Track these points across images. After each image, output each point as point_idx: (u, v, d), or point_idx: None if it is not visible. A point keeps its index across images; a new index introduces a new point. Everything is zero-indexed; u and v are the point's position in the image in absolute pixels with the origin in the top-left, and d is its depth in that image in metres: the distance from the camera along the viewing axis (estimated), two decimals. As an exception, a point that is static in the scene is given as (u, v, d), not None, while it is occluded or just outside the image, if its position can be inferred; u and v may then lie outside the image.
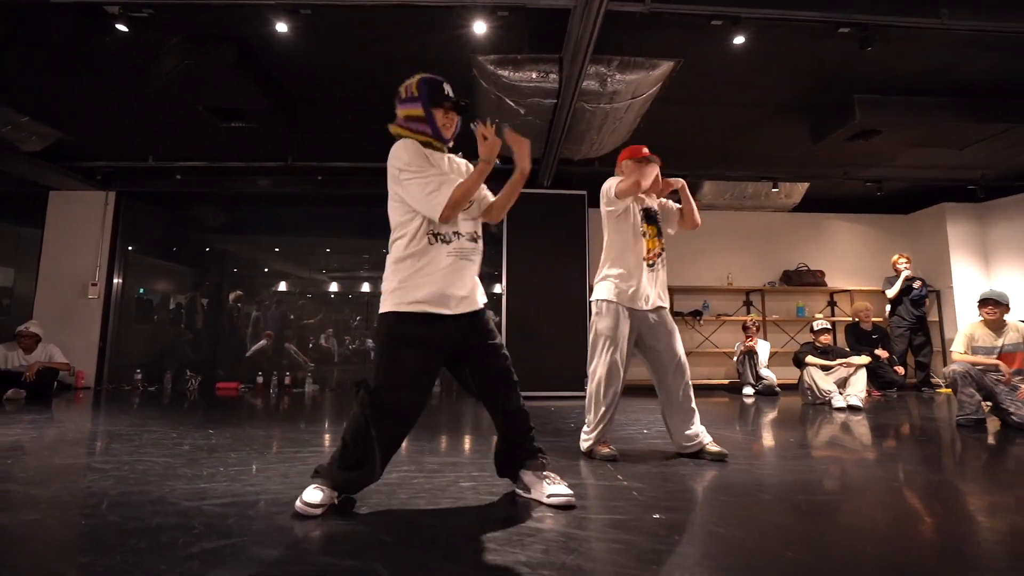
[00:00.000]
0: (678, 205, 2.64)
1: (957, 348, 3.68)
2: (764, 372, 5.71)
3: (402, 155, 1.72)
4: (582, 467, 2.32)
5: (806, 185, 6.24)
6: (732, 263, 6.78)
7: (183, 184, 5.98)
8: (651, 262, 2.52)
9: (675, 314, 6.45)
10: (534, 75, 3.73)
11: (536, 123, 4.18)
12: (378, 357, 1.72)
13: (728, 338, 6.55)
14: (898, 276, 5.93)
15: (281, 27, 3.16)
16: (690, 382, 2.51)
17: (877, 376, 5.38)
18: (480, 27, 3.14)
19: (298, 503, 1.62)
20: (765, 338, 6.30)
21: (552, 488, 1.75)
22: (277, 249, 8.24)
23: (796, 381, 5.17)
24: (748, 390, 5.62)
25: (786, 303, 6.82)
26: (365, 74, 3.89)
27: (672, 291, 6.43)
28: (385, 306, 1.72)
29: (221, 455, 2.47)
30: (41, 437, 2.93)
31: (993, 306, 3.60)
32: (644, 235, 2.53)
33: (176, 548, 1.35)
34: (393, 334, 1.69)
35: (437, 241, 1.72)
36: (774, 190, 6.14)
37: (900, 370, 5.57)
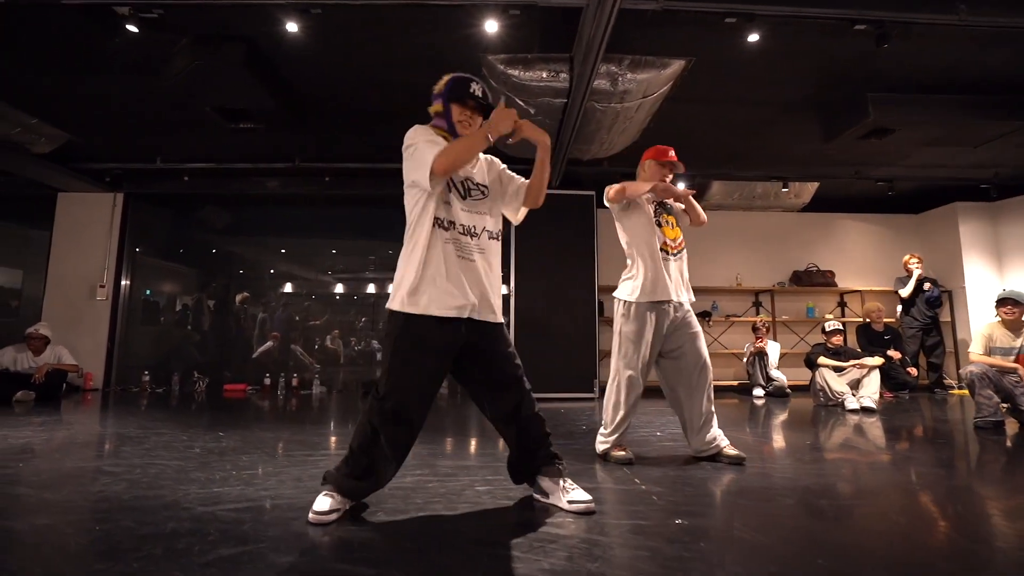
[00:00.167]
0: (681, 205, 2.65)
1: (975, 349, 3.62)
2: (774, 373, 5.65)
3: (410, 135, 1.70)
4: (598, 471, 2.28)
5: (816, 185, 6.18)
6: (741, 263, 6.72)
7: (190, 186, 5.98)
8: (672, 251, 2.49)
9: (684, 315, 6.41)
10: (544, 74, 3.69)
11: (546, 123, 4.15)
12: (386, 359, 1.67)
13: (737, 339, 6.49)
14: (910, 276, 5.87)
15: (291, 27, 3.14)
16: (712, 384, 2.47)
17: (889, 377, 5.32)
18: (491, 26, 3.12)
19: (311, 514, 1.58)
20: (775, 339, 6.24)
21: (572, 494, 1.72)
22: (283, 250, 8.24)
23: (806, 382, 5.11)
24: (758, 391, 5.57)
25: (796, 304, 6.76)
26: (373, 74, 3.87)
27: (681, 292, 6.38)
28: (394, 303, 1.66)
29: (232, 458, 2.45)
30: (51, 440, 2.91)
31: (1012, 306, 3.55)
32: (660, 225, 2.51)
33: (192, 555, 1.33)
34: (402, 336, 1.64)
35: (439, 227, 1.66)
36: (784, 190, 6.08)
37: (913, 371, 5.51)
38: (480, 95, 1.74)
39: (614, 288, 2.61)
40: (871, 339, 5.57)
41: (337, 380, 6.67)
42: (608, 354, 6.25)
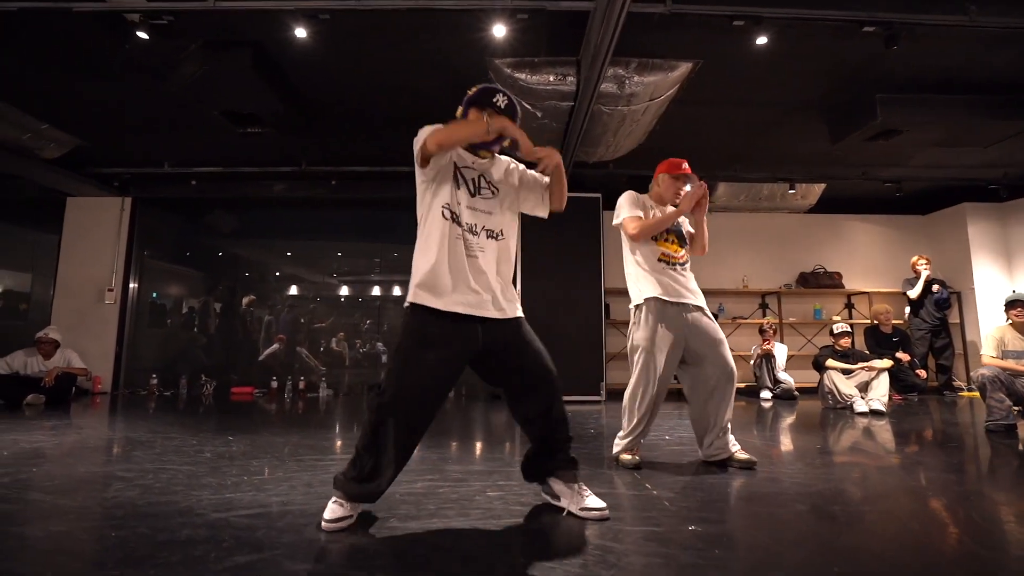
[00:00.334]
0: (690, 229, 2.62)
1: (987, 351, 3.59)
2: (782, 375, 5.63)
3: (423, 128, 1.71)
4: (609, 475, 2.28)
5: (822, 186, 6.16)
6: (748, 265, 6.70)
7: (198, 189, 6.01)
8: (673, 262, 2.48)
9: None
10: (551, 78, 3.70)
11: (552, 126, 4.15)
12: (391, 357, 1.68)
13: (744, 341, 6.47)
14: (918, 277, 5.85)
15: (300, 32, 3.15)
16: (735, 389, 2.44)
17: (898, 380, 5.29)
18: (499, 30, 3.12)
19: (322, 523, 1.58)
20: (782, 341, 6.22)
21: (587, 501, 1.72)
22: (289, 253, 8.28)
23: (814, 384, 5.09)
24: (766, 394, 5.54)
25: (803, 305, 6.73)
26: (381, 78, 3.88)
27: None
28: (408, 297, 1.67)
29: (243, 463, 2.46)
30: (63, 444, 2.93)
31: (1022, 308, 3.52)
32: (656, 239, 2.49)
33: (209, 562, 1.33)
34: (410, 332, 1.64)
35: (448, 222, 1.66)
36: (791, 191, 6.06)
37: (922, 373, 5.48)
38: (502, 106, 1.74)
39: (621, 290, 2.63)
40: (879, 341, 5.54)
41: (343, 382, 6.68)
42: (614, 357, 6.24)
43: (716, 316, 6.29)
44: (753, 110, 4.47)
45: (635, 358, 2.43)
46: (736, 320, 6.54)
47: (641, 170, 5.50)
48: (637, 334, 2.43)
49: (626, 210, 2.49)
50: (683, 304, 2.41)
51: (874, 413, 4.30)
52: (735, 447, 2.44)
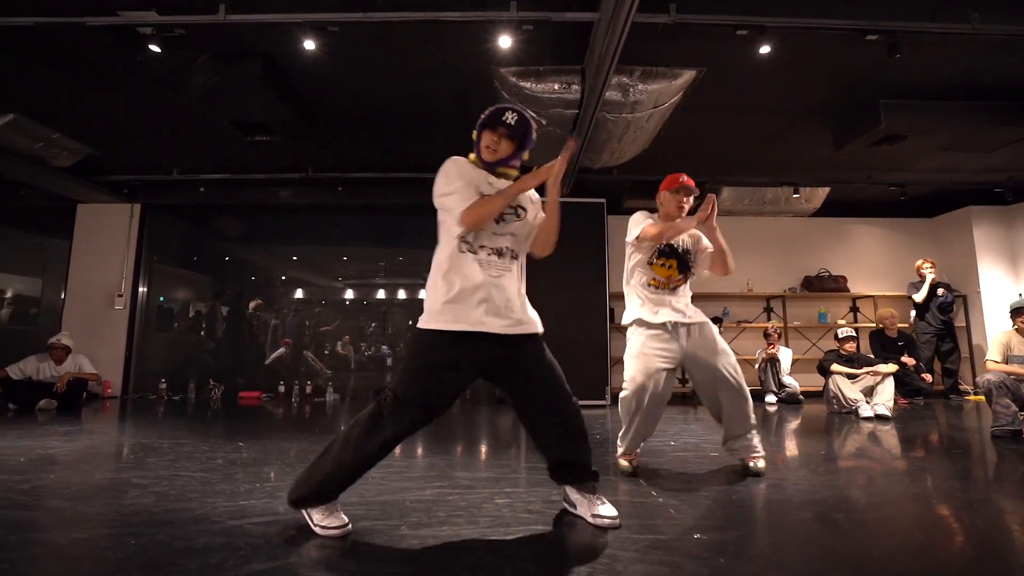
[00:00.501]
0: (710, 248, 2.55)
1: (992, 357, 3.60)
2: (787, 379, 5.64)
3: (448, 168, 1.74)
4: (615, 481, 2.31)
5: (827, 190, 6.16)
6: (752, 269, 6.71)
7: (206, 196, 6.08)
8: (661, 287, 2.49)
9: (695, 321, 6.40)
10: (556, 86, 3.73)
11: (557, 133, 4.18)
12: (402, 370, 1.68)
13: (749, 345, 6.48)
14: (923, 281, 5.85)
15: (309, 45, 3.20)
16: (746, 397, 2.47)
17: (904, 384, 5.29)
18: (505, 41, 3.16)
19: (331, 531, 1.61)
20: (787, 345, 6.22)
21: (600, 509, 1.75)
22: (295, 257, 8.35)
23: (819, 388, 5.10)
24: (771, 398, 5.55)
25: (808, 309, 6.73)
26: (388, 88, 3.93)
27: (692, 298, 6.37)
28: (423, 322, 1.68)
29: (255, 470, 2.50)
30: (78, 450, 2.98)
31: (1028, 314, 3.53)
32: (651, 264, 2.50)
33: (226, 570, 1.37)
34: (425, 355, 1.66)
35: (467, 251, 1.69)
36: (795, 196, 6.07)
37: (928, 377, 5.47)
38: (512, 123, 1.74)
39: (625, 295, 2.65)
40: (884, 345, 5.54)
41: (348, 386, 6.73)
42: (618, 360, 6.27)
43: (720, 320, 6.40)
44: (757, 116, 4.50)
45: (626, 366, 2.47)
46: (741, 324, 6.55)
47: (645, 175, 5.55)
48: (628, 346, 2.49)
49: (638, 226, 2.48)
50: (679, 324, 2.43)
51: (879, 418, 4.31)
52: (753, 452, 2.47)
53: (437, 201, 1.73)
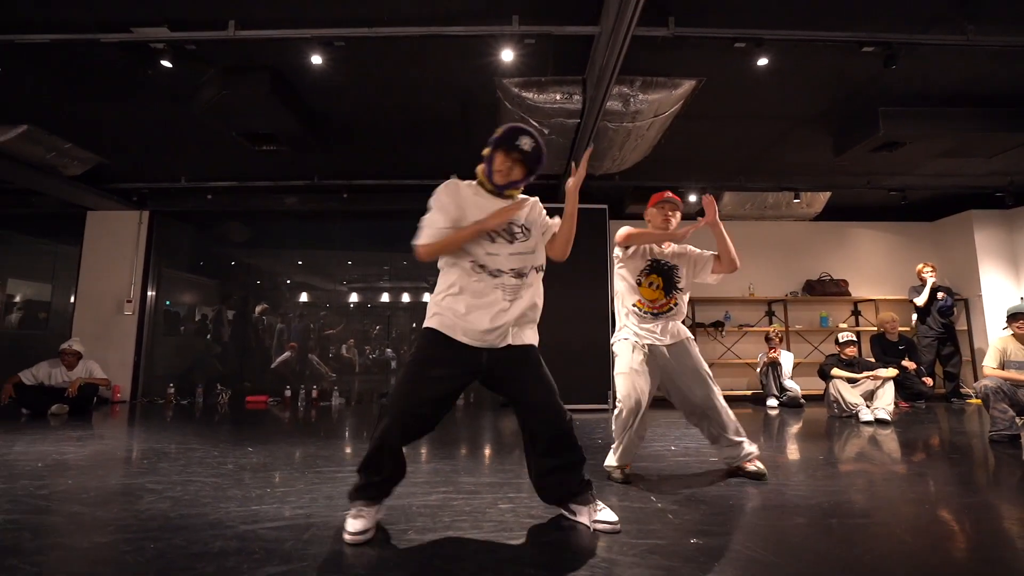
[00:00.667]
0: (712, 252, 2.60)
1: (989, 363, 3.64)
2: (788, 383, 5.67)
3: (435, 193, 1.82)
4: (616, 489, 2.36)
5: (828, 194, 6.21)
6: (754, 273, 6.75)
7: (213, 203, 6.18)
8: (646, 311, 2.52)
9: (696, 325, 6.45)
10: (558, 96, 3.80)
11: (559, 142, 4.25)
12: (400, 372, 1.81)
13: (751, 349, 6.52)
14: (924, 285, 5.88)
15: (316, 59, 3.28)
16: (723, 408, 2.50)
17: (904, 387, 5.32)
18: (507, 55, 3.23)
19: (345, 535, 1.68)
20: (788, 348, 6.26)
21: (600, 515, 1.81)
22: (300, 262, 8.44)
23: (821, 392, 5.14)
24: (772, 401, 5.59)
25: (809, 313, 6.77)
26: (392, 98, 4.01)
27: (693, 302, 6.43)
28: (425, 322, 1.82)
29: (264, 475, 2.57)
30: (92, 455, 3.06)
31: (1025, 320, 3.57)
32: (640, 284, 2.55)
33: (242, 573, 1.44)
34: (419, 349, 1.79)
35: (465, 267, 1.77)
36: (795, 200, 6.12)
37: (928, 381, 5.50)
38: (528, 150, 1.78)
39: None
40: (885, 349, 5.58)
41: (353, 389, 6.81)
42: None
43: (722, 324, 6.44)
44: (757, 124, 4.55)
45: (619, 390, 2.52)
46: (743, 328, 6.60)
47: (647, 182, 5.61)
48: (617, 366, 2.55)
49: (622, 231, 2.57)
50: (654, 346, 2.49)
51: (879, 422, 4.34)
52: (748, 456, 2.51)
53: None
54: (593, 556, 1.58)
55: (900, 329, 5.75)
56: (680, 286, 2.57)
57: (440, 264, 1.85)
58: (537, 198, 1.98)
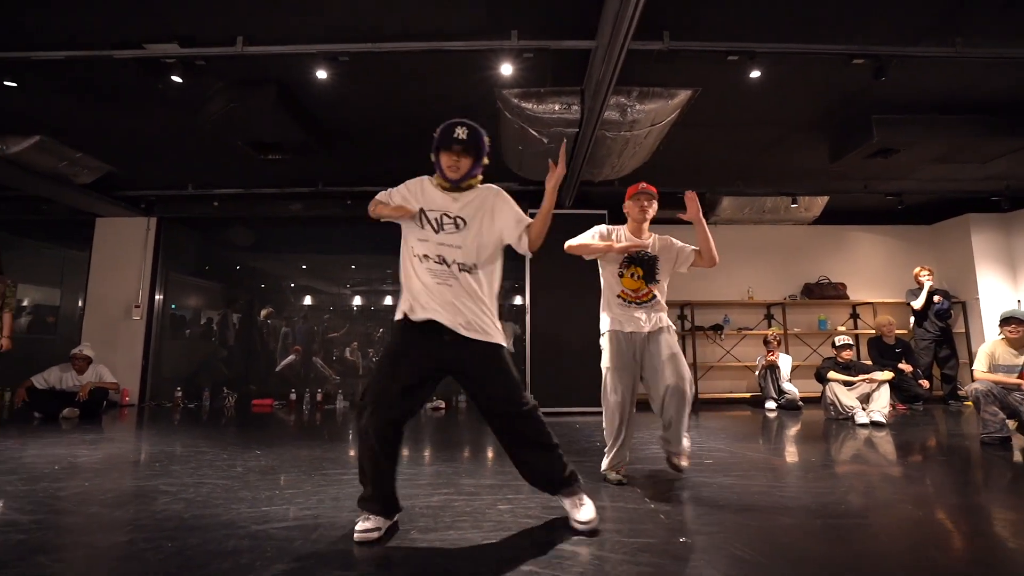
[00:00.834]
0: (694, 247, 2.66)
1: (978, 367, 3.71)
2: (786, 386, 5.74)
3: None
4: (611, 490, 2.45)
5: (826, 198, 6.28)
6: (753, 277, 6.83)
7: (220, 209, 6.29)
8: (630, 300, 2.60)
9: (696, 328, 6.53)
10: (556, 107, 3.89)
11: (558, 150, 4.34)
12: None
13: (750, 352, 6.59)
14: (921, 288, 5.94)
15: (321, 74, 3.38)
16: (687, 401, 2.50)
17: (902, 390, 5.39)
18: (507, 69, 3.32)
19: (355, 534, 1.78)
20: (787, 351, 6.33)
21: (576, 514, 1.87)
22: (304, 266, 8.56)
23: (819, 394, 5.21)
24: (770, 404, 5.67)
25: (808, 316, 6.84)
26: (395, 109, 4.11)
27: (693, 305, 6.51)
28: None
29: (273, 477, 2.66)
30: (106, 458, 3.16)
31: (1017, 324, 3.64)
32: (621, 276, 2.63)
33: (255, 570, 1.53)
34: (389, 343, 1.94)
35: (414, 257, 1.93)
36: (792, 205, 6.19)
37: (925, 383, 5.56)
38: (464, 137, 1.90)
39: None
40: (882, 352, 5.64)
41: (357, 392, 6.90)
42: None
43: (722, 327, 6.52)
44: (753, 131, 4.63)
45: (603, 380, 2.62)
46: (742, 331, 6.67)
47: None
48: (603, 359, 2.64)
49: (578, 236, 2.68)
50: (634, 333, 2.56)
51: (874, 424, 4.42)
52: (679, 450, 2.57)
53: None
54: (585, 554, 1.67)
55: (897, 332, 5.81)
56: (658, 277, 2.65)
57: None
58: (500, 192, 2.05)
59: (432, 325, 1.84)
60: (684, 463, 2.61)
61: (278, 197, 6.12)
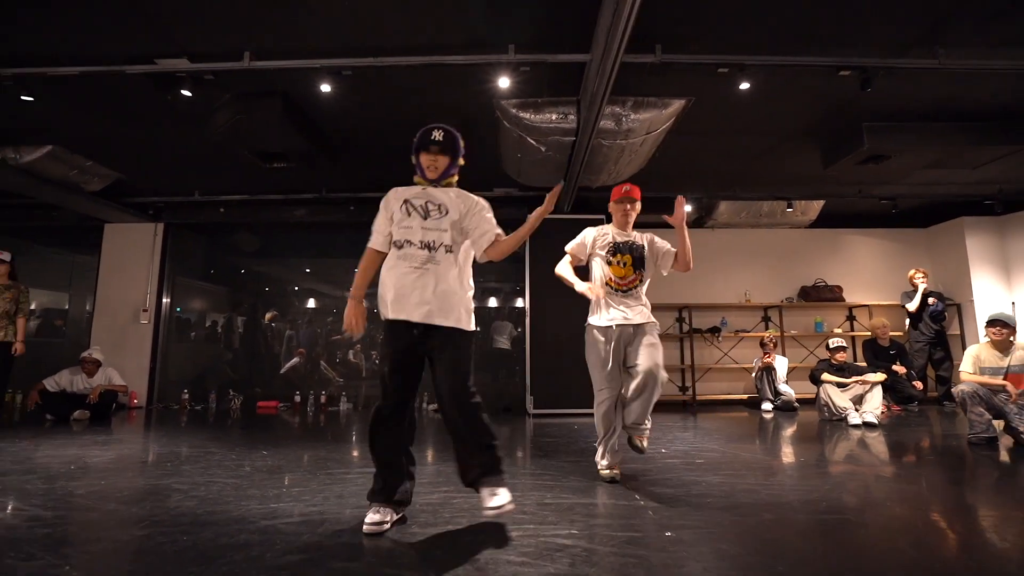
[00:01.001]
0: (672, 248, 2.75)
1: (965, 368, 3.80)
2: (782, 388, 5.84)
3: (388, 194, 2.13)
4: (605, 488, 2.55)
5: (821, 202, 6.37)
6: (750, 280, 6.92)
7: (225, 215, 6.42)
8: (617, 288, 2.70)
9: (694, 331, 6.62)
10: (553, 117, 4.00)
11: (556, 158, 4.45)
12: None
13: (747, 354, 6.68)
14: (916, 291, 6.03)
15: (325, 87, 3.50)
16: (655, 394, 2.59)
17: (896, 391, 5.48)
18: (504, 81, 3.43)
19: (364, 525, 1.90)
20: (783, 354, 6.42)
21: (490, 501, 1.92)
22: (308, 270, 8.68)
23: (814, 396, 5.30)
24: (767, 405, 5.76)
25: (804, 319, 6.93)
26: (397, 119, 4.23)
27: (690, 308, 6.61)
28: None
29: (280, 476, 2.78)
30: (119, 459, 3.28)
31: (1001, 326, 3.72)
32: (609, 264, 2.74)
33: (266, 561, 1.64)
34: (382, 343, 2.05)
35: (394, 247, 2.03)
36: (788, 209, 6.29)
37: (919, 385, 5.65)
38: (441, 139, 2.06)
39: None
40: (877, 354, 5.73)
41: (361, 394, 7.01)
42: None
43: (719, 329, 6.61)
44: (747, 138, 4.74)
45: (592, 377, 2.72)
46: (739, 333, 6.76)
47: (643, 193, 5.77)
48: (588, 355, 2.74)
49: (569, 244, 2.86)
50: (622, 326, 2.66)
51: (867, 425, 4.50)
52: (642, 431, 2.69)
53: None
54: (575, 547, 1.77)
55: (892, 334, 5.90)
56: (645, 265, 2.76)
57: None
58: (471, 198, 2.14)
59: (403, 322, 1.97)
60: (645, 443, 2.73)
61: (282, 203, 6.25)
